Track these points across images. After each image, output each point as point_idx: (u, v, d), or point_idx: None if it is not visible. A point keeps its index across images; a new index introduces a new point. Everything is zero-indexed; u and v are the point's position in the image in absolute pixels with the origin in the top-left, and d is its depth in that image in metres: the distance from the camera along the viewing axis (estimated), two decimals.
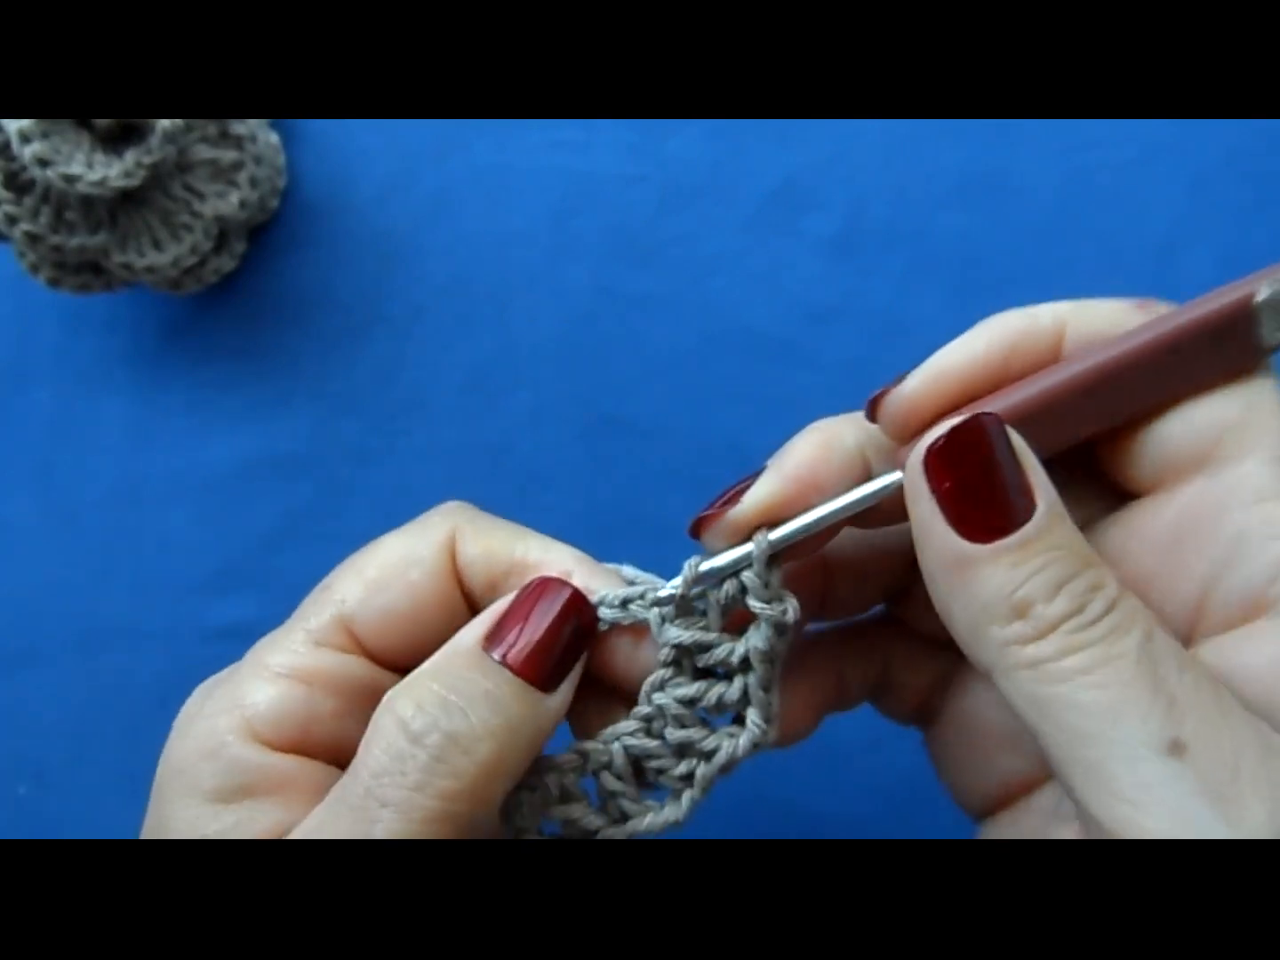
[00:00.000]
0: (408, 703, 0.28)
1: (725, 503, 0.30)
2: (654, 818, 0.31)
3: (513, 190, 0.51)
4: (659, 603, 0.31)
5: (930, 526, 0.27)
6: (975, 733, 0.33)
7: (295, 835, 0.28)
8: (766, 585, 0.30)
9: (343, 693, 0.31)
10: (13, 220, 0.45)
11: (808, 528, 0.29)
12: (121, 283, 0.49)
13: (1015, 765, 0.32)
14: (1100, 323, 0.29)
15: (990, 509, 0.26)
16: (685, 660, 0.31)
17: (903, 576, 0.33)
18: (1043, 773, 0.31)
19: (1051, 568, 0.26)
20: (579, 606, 0.31)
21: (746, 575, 0.30)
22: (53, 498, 0.53)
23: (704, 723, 0.31)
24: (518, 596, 0.31)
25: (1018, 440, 0.27)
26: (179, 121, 0.45)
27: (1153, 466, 0.29)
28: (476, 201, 0.51)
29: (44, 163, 0.43)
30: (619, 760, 0.31)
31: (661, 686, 0.31)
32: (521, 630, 0.30)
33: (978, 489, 0.27)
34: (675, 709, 0.31)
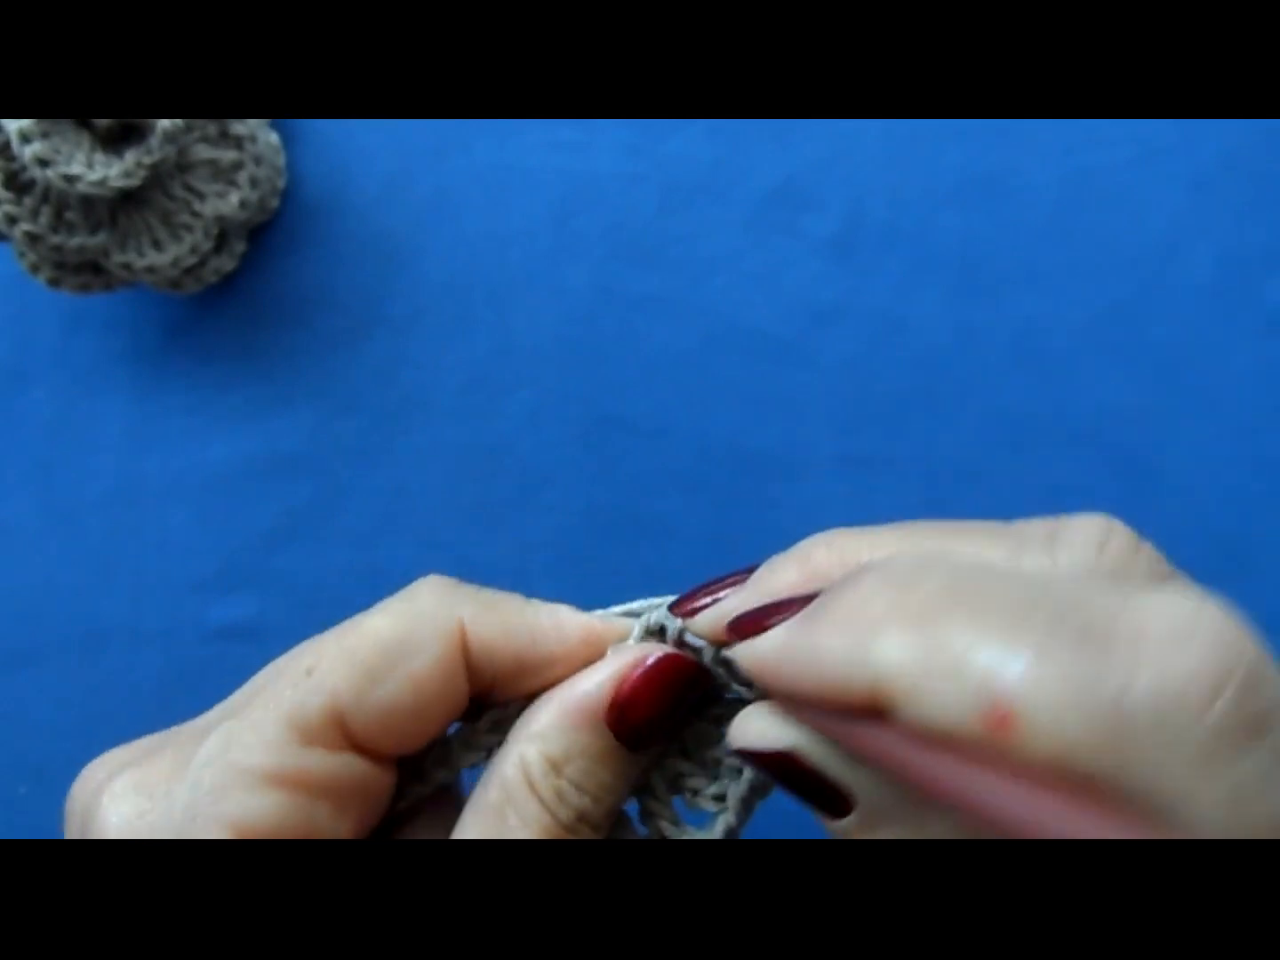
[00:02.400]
0: (534, 763, 0.29)
1: (694, 602, 0.30)
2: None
3: (513, 190, 0.51)
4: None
5: None
6: None
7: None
8: (734, 679, 0.30)
9: (335, 795, 0.28)
10: (13, 220, 0.45)
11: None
12: (121, 283, 0.49)
13: None
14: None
15: None
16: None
17: None
18: None
19: None
20: (706, 686, 0.30)
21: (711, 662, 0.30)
22: (53, 498, 0.53)
23: None
24: (647, 674, 0.29)
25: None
26: (179, 121, 0.45)
27: None
28: (476, 201, 0.51)
29: (44, 163, 0.43)
30: (654, 781, 0.31)
31: None
32: (649, 715, 0.29)
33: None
34: (700, 724, 0.31)
